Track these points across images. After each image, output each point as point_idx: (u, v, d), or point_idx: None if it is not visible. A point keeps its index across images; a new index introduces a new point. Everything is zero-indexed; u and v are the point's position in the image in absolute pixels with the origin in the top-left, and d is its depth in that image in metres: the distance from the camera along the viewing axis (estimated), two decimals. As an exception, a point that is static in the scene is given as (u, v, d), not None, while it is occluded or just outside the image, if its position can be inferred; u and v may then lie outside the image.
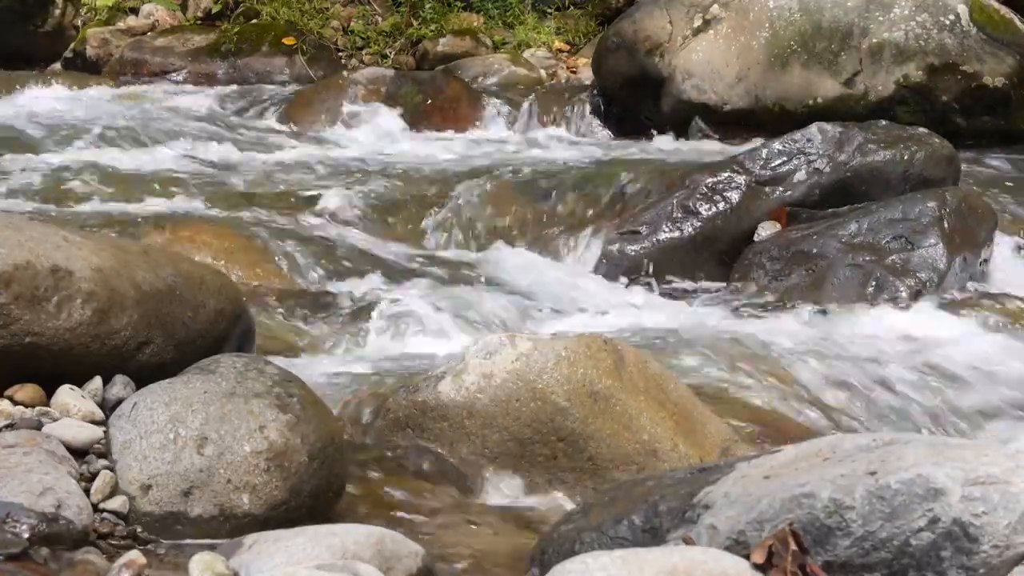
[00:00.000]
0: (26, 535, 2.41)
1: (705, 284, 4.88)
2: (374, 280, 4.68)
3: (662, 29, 6.99)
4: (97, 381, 2.80)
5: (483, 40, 8.58)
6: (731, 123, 6.88)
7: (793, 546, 1.95)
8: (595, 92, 7.43)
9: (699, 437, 3.10)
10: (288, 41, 8.46)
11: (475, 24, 8.82)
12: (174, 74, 8.29)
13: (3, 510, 2.41)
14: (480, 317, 4.37)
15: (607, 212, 5.27)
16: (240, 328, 3.09)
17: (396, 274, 4.76)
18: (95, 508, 2.57)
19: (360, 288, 4.57)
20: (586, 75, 7.95)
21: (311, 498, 2.70)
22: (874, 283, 4.64)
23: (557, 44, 8.67)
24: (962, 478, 2.05)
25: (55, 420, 2.70)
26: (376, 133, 6.91)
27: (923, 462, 2.09)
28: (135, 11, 9.12)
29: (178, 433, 2.64)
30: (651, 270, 4.93)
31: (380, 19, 8.99)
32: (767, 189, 5.10)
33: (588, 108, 7.36)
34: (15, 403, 2.73)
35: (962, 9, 6.87)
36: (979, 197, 5.08)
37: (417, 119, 7.16)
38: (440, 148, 6.51)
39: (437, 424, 3.01)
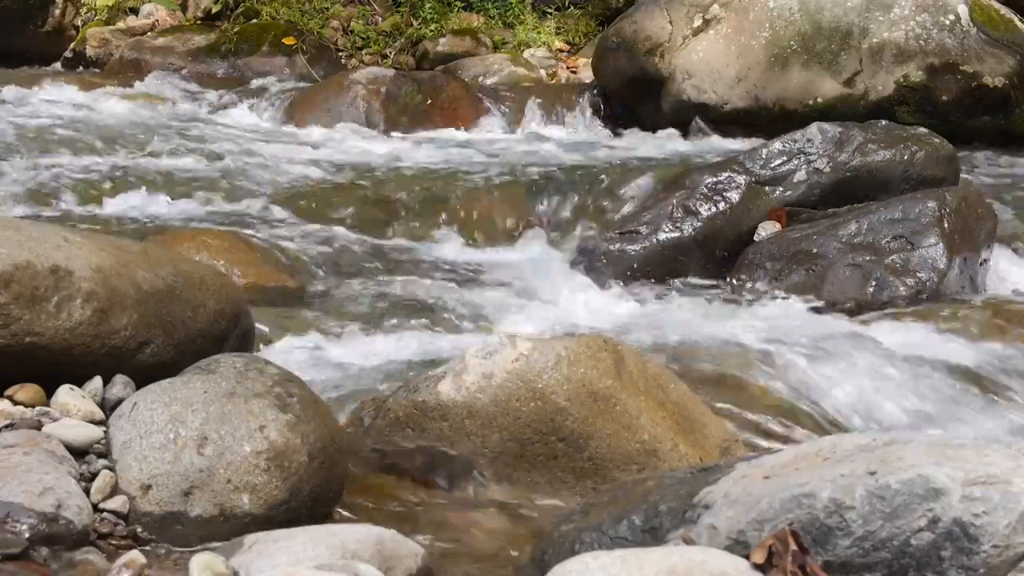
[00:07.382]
0: (26, 535, 2.41)
1: (704, 284, 4.88)
2: (374, 278, 4.68)
3: (662, 29, 7.00)
4: (97, 381, 2.80)
5: (483, 40, 8.58)
6: (731, 123, 6.88)
7: (793, 546, 1.95)
8: (595, 92, 7.43)
9: (699, 437, 3.10)
10: (288, 41, 8.46)
11: (475, 24, 8.82)
12: (174, 74, 8.29)
13: (3, 510, 2.41)
14: (479, 316, 4.37)
15: (607, 212, 5.27)
16: (240, 328, 3.09)
17: (395, 273, 4.76)
18: (95, 508, 2.57)
19: (360, 286, 4.57)
20: (586, 75, 7.95)
21: (311, 498, 2.69)
22: (874, 283, 4.64)
23: (557, 44, 8.67)
24: (962, 478, 2.05)
25: (55, 420, 2.70)
26: (372, 133, 6.91)
27: (923, 462, 2.09)
28: (135, 11, 9.13)
29: (178, 433, 2.64)
30: (651, 270, 4.93)
31: (380, 19, 8.99)
32: (767, 189, 5.10)
33: (588, 108, 7.36)
34: (15, 403, 2.73)
35: (962, 9, 6.87)
36: (979, 197, 5.08)
37: (417, 119, 7.16)
38: (439, 148, 6.52)
39: (437, 424, 3.01)
